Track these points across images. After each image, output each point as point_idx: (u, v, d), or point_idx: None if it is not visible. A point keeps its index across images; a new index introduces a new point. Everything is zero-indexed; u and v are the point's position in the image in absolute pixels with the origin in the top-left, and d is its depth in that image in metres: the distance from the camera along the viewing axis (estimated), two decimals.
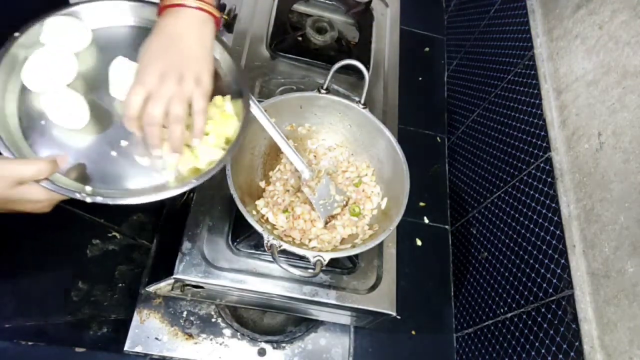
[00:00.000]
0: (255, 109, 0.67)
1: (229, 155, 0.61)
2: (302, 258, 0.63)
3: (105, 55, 0.63)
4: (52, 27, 0.62)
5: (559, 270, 0.76)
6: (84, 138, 0.60)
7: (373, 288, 0.76)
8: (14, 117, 0.58)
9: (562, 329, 0.73)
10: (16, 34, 0.60)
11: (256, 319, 0.92)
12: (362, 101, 0.78)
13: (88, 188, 0.56)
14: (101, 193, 0.56)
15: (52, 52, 0.61)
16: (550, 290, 0.77)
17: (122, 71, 0.62)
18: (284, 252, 0.63)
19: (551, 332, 0.75)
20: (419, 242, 1.10)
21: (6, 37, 0.61)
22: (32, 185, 0.53)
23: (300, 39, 0.94)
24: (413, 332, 1.00)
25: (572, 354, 0.70)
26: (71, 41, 0.63)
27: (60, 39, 0.62)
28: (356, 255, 0.77)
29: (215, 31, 0.62)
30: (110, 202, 0.55)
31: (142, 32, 0.66)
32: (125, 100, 0.56)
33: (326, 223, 0.74)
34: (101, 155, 0.59)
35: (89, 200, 0.53)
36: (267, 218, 0.71)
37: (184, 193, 0.77)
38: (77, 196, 0.53)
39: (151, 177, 0.60)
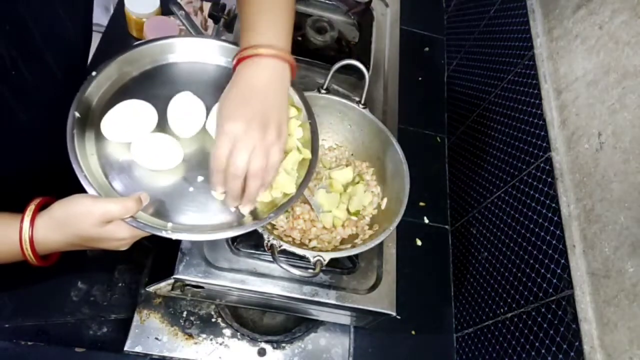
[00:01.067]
0: None
1: (301, 191, 0.62)
2: (302, 258, 0.63)
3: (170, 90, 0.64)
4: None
5: (559, 270, 0.76)
6: (162, 174, 0.61)
7: (373, 288, 0.76)
8: (93, 156, 0.59)
9: (562, 329, 0.73)
10: (93, 73, 0.61)
11: (256, 319, 0.92)
12: (362, 101, 0.78)
13: (170, 224, 0.57)
14: (182, 229, 0.57)
15: (132, 103, 0.62)
16: (550, 290, 0.77)
17: (183, 106, 0.63)
18: (284, 252, 0.63)
19: (551, 332, 0.75)
20: (419, 242, 1.10)
21: (51, 69, 0.61)
22: (119, 223, 0.53)
23: (300, 39, 0.94)
24: (413, 332, 1.00)
25: (572, 354, 0.70)
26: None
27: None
28: (356, 255, 0.77)
29: (291, 78, 0.62)
30: (193, 238, 0.56)
31: (218, 71, 0.69)
32: (213, 153, 0.56)
33: None
34: (179, 191, 0.60)
35: (173, 237, 0.54)
36: None
37: None
38: (162, 234, 0.54)
39: (228, 211, 0.61)
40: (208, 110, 0.64)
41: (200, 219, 0.59)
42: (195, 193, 0.60)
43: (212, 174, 0.58)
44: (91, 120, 0.60)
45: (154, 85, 0.65)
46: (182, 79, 0.68)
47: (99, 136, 0.60)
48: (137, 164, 0.60)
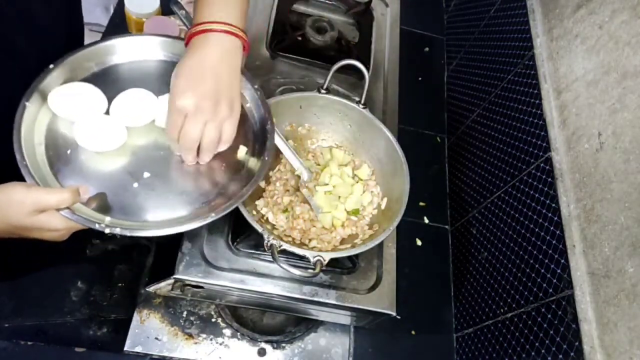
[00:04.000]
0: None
1: (248, 191, 0.62)
2: (302, 258, 0.63)
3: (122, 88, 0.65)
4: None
5: (559, 270, 0.76)
6: (107, 167, 0.61)
7: (373, 288, 0.76)
8: (41, 146, 0.59)
9: (562, 329, 0.73)
10: (51, 66, 0.61)
11: (256, 319, 0.92)
12: (362, 101, 0.78)
13: (107, 219, 0.56)
14: (120, 224, 0.56)
15: (83, 85, 0.63)
16: (550, 290, 0.77)
17: (133, 97, 0.64)
18: (284, 252, 0.63)
19: (551, 332, 0.75)
20: (419, 242, 1.10)
21: (23, 55, 0.61)
22: (53, 213, 0.53)
23: (300, 39, 0.94)
24: (413, 332, 1.00)
25: (572, 354, 0.70)
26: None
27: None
28: (356, 255, 0.77)
29: (244, 55, 0.62)
30: (128, 233, 0.55)
31: (166, 66, 0.69)
32: (166, 126, 0.59)
33: None
34: (123, 186, 0.60)
35: (107, 231, 0.54)
36: (267, 218, 0.71)
37: None
38: (96, 227, 0.53)
39: (171, 209, 0.60)
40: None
41: (142, 215, 0.59)
42: (140, 189, 0.60)
43: (168, 140, 0.61)
44: (43, 111, 0.60)
45: (109, 82, 0.66)
46: (136, 77, 0.68)
47: (49, 127, 0.60)
48: (83, 151, 0.60)
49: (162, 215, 0.59)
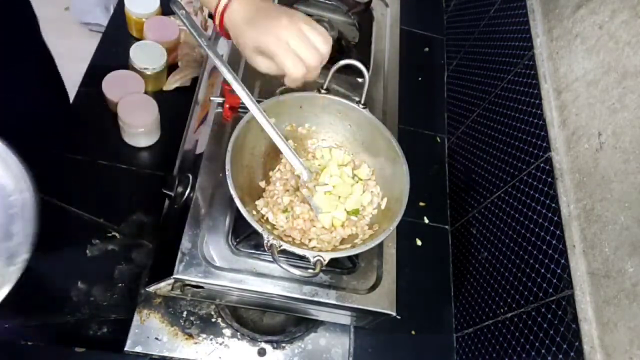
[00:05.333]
0: (255, 110, 0.67)
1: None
2: (302, 258, 0.63)
3: None
4: None
5: (559, 270, 0.76)
6: None
7: (373, 288, 0.76)
8: None
9: (562, 329, 0.73)
10: None
11: (256, 319, 0.92)
12: (362, 101, 0.78)
13: None
14: None
15: None
16: (550, 290, 0.77)
17: None
18: (284, 252, 0.63)
19: (551, 332, 0.75)
20: (419, 242, 1.10)
21: None
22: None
23: None
24: (413, 332, 1.00)
25: (572, 354, 0.70)
26: None
27: None
28: (356, 255, 0.77)
29: None
30: None
31: None
32: (287, 71, 0.63)
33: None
34: None
35: None
36: (267, 218, 0.71)
37: (183, 192, 0.77)
38: None
39: None
40: None
41: None
42: None
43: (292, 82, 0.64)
44: None
45: None
46: None
47: None
48: None
49: None
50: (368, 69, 0.85)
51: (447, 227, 1.15)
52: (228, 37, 0.66)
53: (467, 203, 1.10)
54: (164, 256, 0.79)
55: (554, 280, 0.76)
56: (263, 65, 0.64)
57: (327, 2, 1.02)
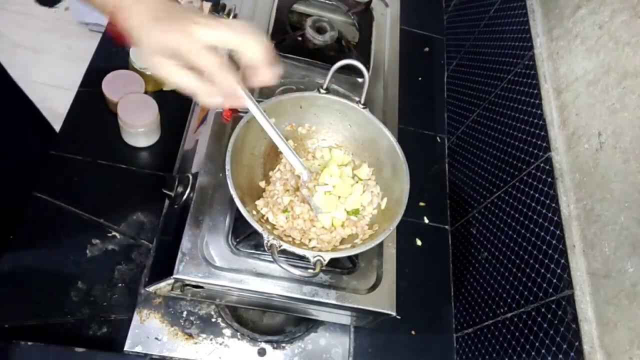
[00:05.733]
0: (254, 109, 0.67)
1: None
2: (302, 258, 0.63)
3: None
4: None
5: (559, 270, 0.76)
6: None
7: (373, 288, 0.76)
8: None
9: (562, 329, 0.73)
10: None
11: (256, 319, 0.92)
12: (362, 101, 0.78)
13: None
14: None
15: None
16: (550, 290, 0.77)
17: None
18: (284, 252, 0.63)
19: (551, 332, 0.75)
20: (419, 242, 1.10)
21: None
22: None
23: (300, 39, 0.94)
24: (413, 332, 1.00)
25: (572, 354, 0.70)
26: None
27: None
28: (356, 255, 0.77)
29: None
30: None
31: None
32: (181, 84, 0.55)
33: None
34: None
35: None
36: (267, 218, 0.71)
37: (183, 192, 0.77)
38: None
39: None
40: None
41: None
42: None
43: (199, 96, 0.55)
44: None
45: None
46: None
47: None
48: None
49: None
50: (368, 69, 0.85)
51: (447, 227, 1.15)
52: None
53: (467, 203, 1.10)
54: (164, 256, 0.80)
55: (554, 280, 0.76)
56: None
57: (327, 2, 1.02)
